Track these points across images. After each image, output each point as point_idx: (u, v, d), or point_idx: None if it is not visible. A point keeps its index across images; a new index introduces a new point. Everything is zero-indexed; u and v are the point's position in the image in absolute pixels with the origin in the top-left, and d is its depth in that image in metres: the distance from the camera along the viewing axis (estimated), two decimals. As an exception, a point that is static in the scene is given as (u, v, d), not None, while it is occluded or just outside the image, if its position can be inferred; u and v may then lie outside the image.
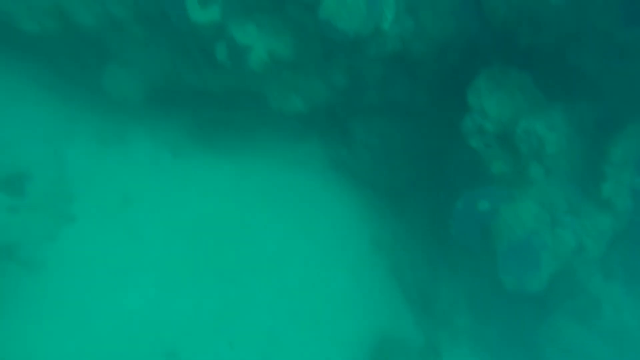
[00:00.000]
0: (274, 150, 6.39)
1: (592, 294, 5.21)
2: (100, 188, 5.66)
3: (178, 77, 5.60)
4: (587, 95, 4.73)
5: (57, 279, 5.11)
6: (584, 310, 5.27)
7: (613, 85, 4.62)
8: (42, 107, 5.86)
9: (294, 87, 5.44)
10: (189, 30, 4.81)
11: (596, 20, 4.26)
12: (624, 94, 4.64)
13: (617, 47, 4.38)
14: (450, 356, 5.93)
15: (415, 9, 4.91)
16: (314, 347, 5.52)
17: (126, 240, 5.49)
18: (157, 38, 5.26)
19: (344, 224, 6.24)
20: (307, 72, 5.36)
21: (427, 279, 6.19)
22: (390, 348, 5.63)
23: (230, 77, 5.37)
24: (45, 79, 5.92)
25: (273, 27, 4.85)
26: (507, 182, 4.78)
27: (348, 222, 6.27)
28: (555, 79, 4.81)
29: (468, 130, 4.83)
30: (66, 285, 5.10)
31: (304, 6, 4.56)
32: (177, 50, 5.35)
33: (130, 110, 5.92)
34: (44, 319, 4.86)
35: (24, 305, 4.90)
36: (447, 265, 6.08)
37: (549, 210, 4.63)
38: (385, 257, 6.23)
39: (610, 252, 4.99)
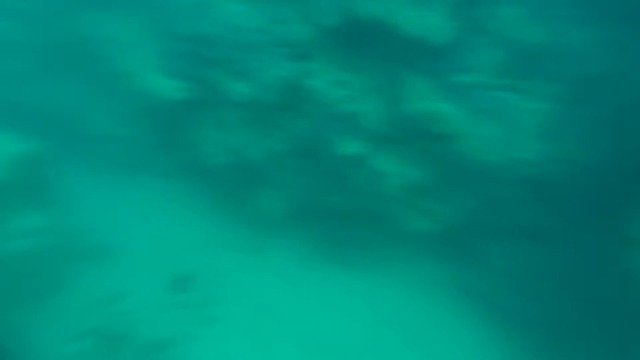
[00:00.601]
0: (400, 269, 6.48)
1: None
2: (238, 295, 6.27)
3: (318, 198, 6.38)
4: None
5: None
6: None
7: None
8: (204, 219, 7.09)
9: (423, 208, 5.73)
10: (334, 160, 5.64)
11: None
12: None
13: None
14: None
15: (550, 134, 5.00)
16: None
17: (255, 348, 5.77)
18: (306, 166, 6.24)
19: (475, 356, 5.69)
20: (436, 195, 5.65)
21: None
22: None
23: (364, 199, 5.93)
24: (210, 197, 7.26)
25: (408, 155, 5.41)
26: None
27: (480, 355, 5.70)
28: None
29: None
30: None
31: (438, 137, 5.04)
32: (320, 175, 6.21)
33: (272, 226, 6.80)
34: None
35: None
36: None
37: None
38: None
39: None
